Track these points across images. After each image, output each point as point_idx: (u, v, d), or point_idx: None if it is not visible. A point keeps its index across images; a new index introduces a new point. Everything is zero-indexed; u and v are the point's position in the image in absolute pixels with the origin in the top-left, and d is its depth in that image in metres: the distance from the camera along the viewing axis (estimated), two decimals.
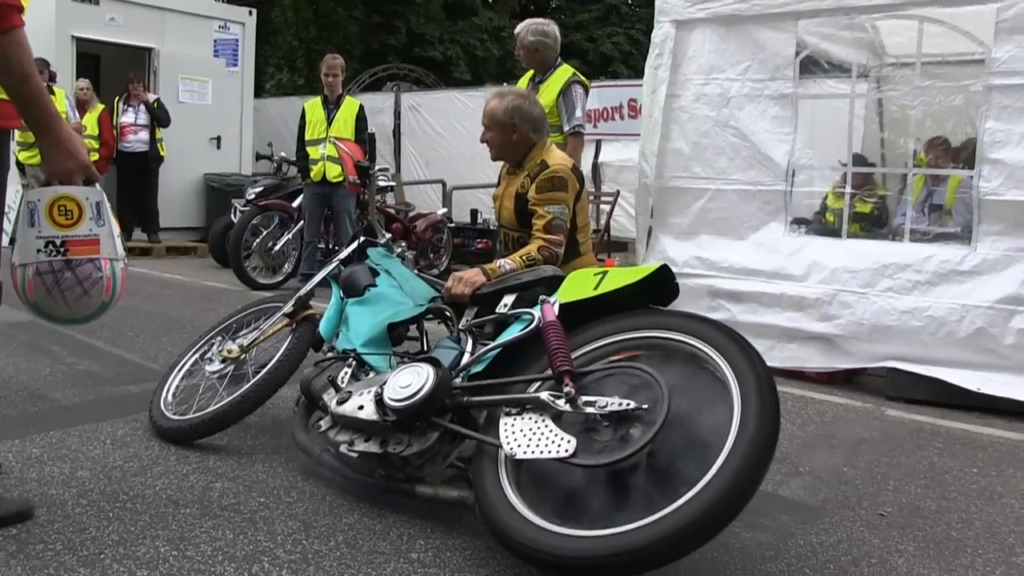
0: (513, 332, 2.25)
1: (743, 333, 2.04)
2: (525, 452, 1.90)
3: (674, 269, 2.22)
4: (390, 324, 2.55)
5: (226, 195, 8.90)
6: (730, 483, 1.64)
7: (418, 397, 2.09)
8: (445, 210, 8.52)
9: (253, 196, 7.23)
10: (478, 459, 2.06)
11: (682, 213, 4.73)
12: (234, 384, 2.87)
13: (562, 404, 1.95)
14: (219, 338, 3.07)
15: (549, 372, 2.04)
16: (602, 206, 8.42)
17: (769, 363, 1.92)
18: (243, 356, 2.92)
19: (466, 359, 2.30)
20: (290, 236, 6.95)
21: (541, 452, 1.88)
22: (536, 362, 2.15)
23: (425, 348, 2.66)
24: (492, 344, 2.26)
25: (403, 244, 3.01)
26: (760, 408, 1.74)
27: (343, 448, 2.24)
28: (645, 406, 1.85)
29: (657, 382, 1.88)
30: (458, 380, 2.23)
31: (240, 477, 2.50)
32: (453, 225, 8.36)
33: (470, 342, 2.36)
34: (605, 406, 1.88)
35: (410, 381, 2.13)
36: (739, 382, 1.81)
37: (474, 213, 8.92)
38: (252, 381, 2.79)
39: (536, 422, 1.96)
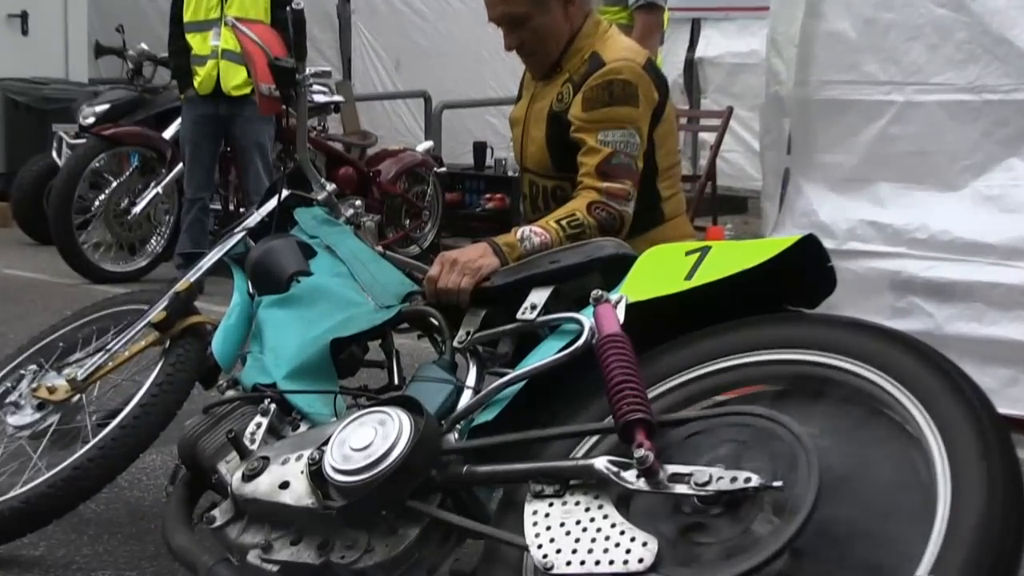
0: (546, 354, 2.29)
1: (955, 357, 2.02)
2: (569, 563, 1.92)
3: (829, 244, 2.25)
4: (335, 341, 2.58)
5: (41, 118, 8.95)
6: None
7: (384, 467, 2.12)
8: (430, 143, 8.56)
9: (92, 120, 7.29)
10: (489, 573, 2.08)
11: (844, 145, 4.73)
12: (60, 447, 2.89)
13: (632, 478, 1.97)
14: (32, 367, 3.10)
15: (609, 422, 2.07)
16: (702, 135, 8.41)
17: (1005, 409, 1.99)
18: (76, 398, 2.95)
19: (466, 400, 2.35)
20: (160, 190, 7.01)
21: (597, 563, 1.90)
22: (586, 406, 2.21)
23: (396, 381, 2.70)
24: (511, 374, 2.30)
25: (358, 203, 3.08)
26: (988, 487, 1.74)
27: (253, 557, 2.26)
28: (779, 483, 1.86)
29: (799, 441, 1.90)
30: (453, 437, 2.27)
31: None
32: (444, 170, 8.40)
33: (473, 371, 2.41)
34: (707, 482, 1.90)
35: (370, 439, 2.16)
36: (947, 442, 1.82)
37: (480, 149, 8.95)
38: (93, 442, 2.82)
39: (587, 510, 1.99)
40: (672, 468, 1.95)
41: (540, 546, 1.96)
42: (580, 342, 2.23)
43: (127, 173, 7.03)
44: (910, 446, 1.90)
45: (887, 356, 1.99)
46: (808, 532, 1.80)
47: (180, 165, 6.91)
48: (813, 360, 2.06)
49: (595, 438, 2.14)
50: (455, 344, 2.50)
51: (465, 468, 2.19)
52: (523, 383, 2.28)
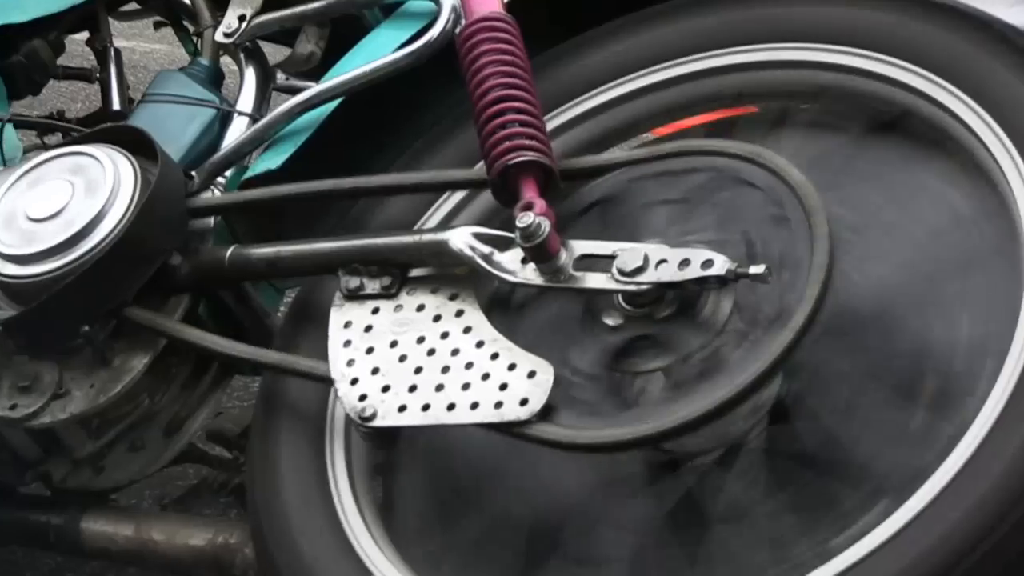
0: (377, 53, 1.96)
1: None
2: (404, 408, 1.60)
3: None
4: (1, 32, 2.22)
5: None
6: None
7: (88, 249, 1.80)
8: None
9: None
10: (265, 429, 1.79)
11: None
12: None
13: (514, 263, 1.65)
14: None
15: (480, 169, 1.73)
16: None
17: None
18: None
19: (238, 133, 2.02)
20: None
21: (451, 408, 1.60)
22: (442, 145, 1.92)
23: (117, 105, 2.38)
24: (313, 89, 1.96)
25: None
26: None
27: None
28: (759, 270, 1.52)
29: (797, 196, 1.55)
30: (212, 194, 1.95)
31: None
32: None
33: (250, 84, 2.10)
34: (640, 268, 1.58)
35: (63, 201, 1.85)
36: None
37: None
38: None
39: (436, 319, 1.69)
40: (582, 246, 1.62)
41: (355, 381, 1.63)
42: (435, 32, 1.88)
43: None
44: (980, 197, 1.60)
45: (942, 48, 1.67)
46: (809, 355, 1.52)
47: None
48: (819, 60, 1.72)
49: (456, 198, 1.81)
50: (220, 38, 2.07)
51: (232, 249, 1.83)
52: (336, 104, 1.92)
